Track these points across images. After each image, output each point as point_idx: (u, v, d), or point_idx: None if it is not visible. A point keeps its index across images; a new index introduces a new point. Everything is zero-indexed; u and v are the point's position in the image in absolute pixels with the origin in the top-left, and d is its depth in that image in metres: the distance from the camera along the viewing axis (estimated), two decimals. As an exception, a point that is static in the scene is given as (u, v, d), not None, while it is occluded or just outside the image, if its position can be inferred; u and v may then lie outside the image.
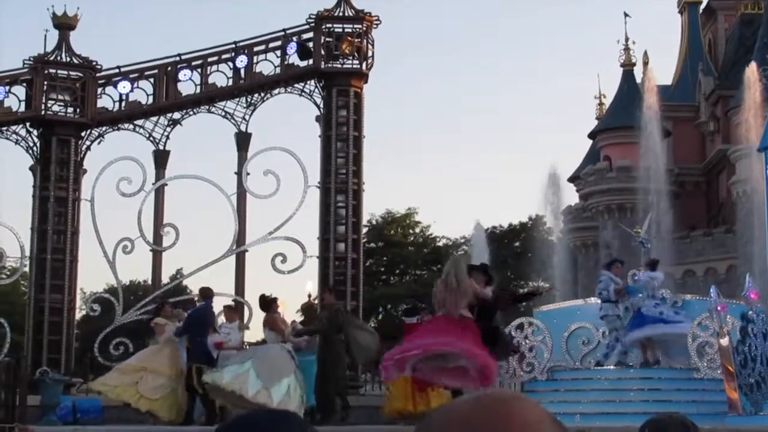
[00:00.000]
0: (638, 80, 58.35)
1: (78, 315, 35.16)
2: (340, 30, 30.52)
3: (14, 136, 29.69)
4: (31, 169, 30.21)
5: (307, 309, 25.31)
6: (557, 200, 53.93)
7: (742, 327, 18.61)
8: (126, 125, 30.68)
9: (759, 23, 53.01)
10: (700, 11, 61.37)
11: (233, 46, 30.51)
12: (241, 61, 30.33)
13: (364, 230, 42.75)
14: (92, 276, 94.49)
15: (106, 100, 30.50)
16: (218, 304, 23.54)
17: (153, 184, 29.93)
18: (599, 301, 22.09)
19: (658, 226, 48.96)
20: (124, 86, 30.25)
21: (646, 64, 60.09)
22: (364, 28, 30.49)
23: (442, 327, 17.43)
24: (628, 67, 57.70)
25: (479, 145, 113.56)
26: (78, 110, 30.05)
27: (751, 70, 46.05)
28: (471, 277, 18.06)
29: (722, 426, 16.79)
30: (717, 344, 18.93)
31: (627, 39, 57.87)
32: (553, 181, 52.62)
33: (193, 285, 43.33)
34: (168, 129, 30.66)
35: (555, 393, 21.01)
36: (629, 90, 56.45)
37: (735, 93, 50.84)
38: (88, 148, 30.39)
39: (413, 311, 22.29)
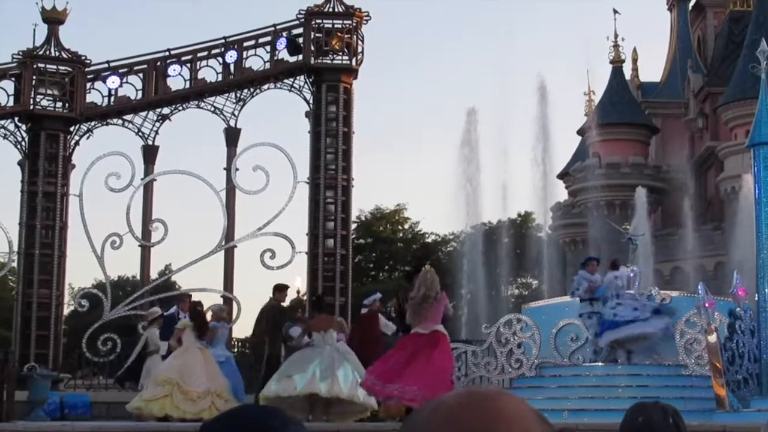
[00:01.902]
0: (627, 77, 58.47)
1: (66, 310, 35.14)
2: (330, 26, 30.53)
3: (2, 130, 29.64)
4: (20, 163, 30.15)
5: (296, 304, 25.36)
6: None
7: (729, 324, 18.65)
8: (115, 120, 30.65)
9: (748, 20, 53.07)
10: (690, 8, 61.48)
11: (223, 41, 30.49)
12: (231, 56, 30.31)
13: (353, 226, 42.76)
14: (80, 271, 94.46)
15: (95, 95, 30.48)
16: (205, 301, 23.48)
17: (142, 179, 29.90)
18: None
19: (647, 223, 49.06)
20: (113, 81, 30.22)
21: (635, 60, 60.25)
22: (354, 24, 30.50)
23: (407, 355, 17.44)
24: (617, 63, 57.81)
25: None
26: (67, 105, 30.01)
27: None
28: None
29: (710, 423, 16.83)
30: (705, 341, 18.97)
31: (616, 36, 58.00)
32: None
33: (182, 281, 43.38)
34: (157, 124, 30.67)
35: (543, 389, 21.06)
36: (618, 87, 56.56)
37: (724, 90, 50.97)
38: (77, 143, 30.36)
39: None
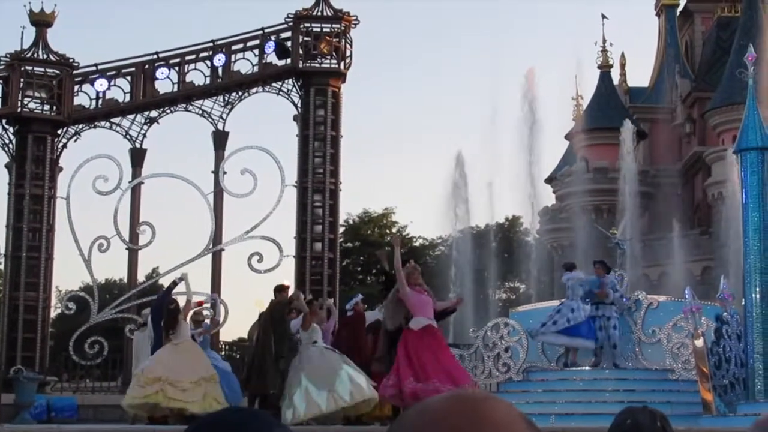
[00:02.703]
0: (615, 82, 58.51)
1: (53, 313, 35.03)
2: (319, 29, 30.52)
3: (-10, 133, 29.59)
4: (7, 166, 30.11)
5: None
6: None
7: (716, 328, 18.68)
8: (103, 123, 30.61)
9: (736, 26, 53.14)
10: (677, 14, 61.56)
11: (211, 44, 30.46)
12: (219, 59, 30.30)
13: (341, 230, 42.74)
14: (68, 274, 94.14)
15: (83, 98, 30.45)
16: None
17: (129, 182, 29.86)
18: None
19: (634, 228, 49.09)
20: (101, 84, 30.19)
21: (623, 65, 60.30)
22: (343, 28, 30.50)
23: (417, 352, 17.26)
24: (605, 68, 57.82)
25: (456, 145, 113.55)
26: (54, 108, 29.97)
27: None
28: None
29: (696, 427, 16.85)
30: (692, 345, 18.99)
31: (604, 41, 58.04)
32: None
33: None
34: (145, 127, 30.62)
35: (530, 393, 21.07)
36: (606, 91, 56.59)
37: (711, 95, 51.03)
38: (65, 145, 30.32)
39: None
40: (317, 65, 30.48)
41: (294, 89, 30.42)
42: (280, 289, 20.65)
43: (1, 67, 29.64)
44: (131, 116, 30.58)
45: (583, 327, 21.28)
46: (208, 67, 30.48)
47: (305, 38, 30.33)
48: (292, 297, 20.34)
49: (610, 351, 21.55)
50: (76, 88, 30.35)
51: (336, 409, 17.95)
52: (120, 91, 30.44)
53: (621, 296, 22.04)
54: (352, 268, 65.24)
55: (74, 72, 30.29)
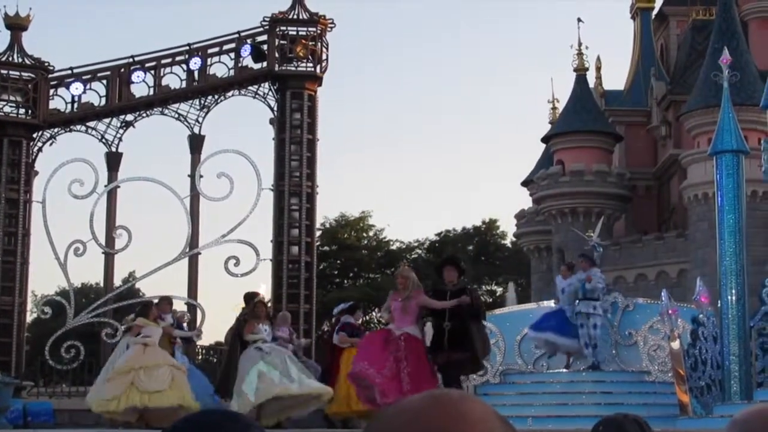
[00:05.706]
0: (591, 85, 58.67)
1: (29, 318, 34.95)
2: (295, 33, 30.53)
3: (-35, 137, 29.48)
4: (-18, 170, 29.99)
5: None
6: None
7: (692, 330, 18.73)
8: (78, 127, 30.52)
9: (710, 29, 53.37)
10: (653, 17, 61.78)
11: (187, 47, 30.42)
12: (195, 63, 30.26)
13: (318, 233, 42.71)
14: (44, 278, 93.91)
15: (59, 102, 30.38)
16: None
17: (105, 186, 29.76)
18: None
19: (611, 230, 49.25)
20: (76, 87, 30.11)
21: (598, 69, 60.46)
22: (319, 31, 30.51)
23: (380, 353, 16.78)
24: (581, 71, 57.95)
25: (433, 149, 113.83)
26: (30, 111, 29.88)
27: None
28: (444, 272, 17.88)
29: (673, 428, 16.91)
30: (668, 348, 19.06)
31: (580, 44, 58.18)
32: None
33: (146, 288, 43.21)
34: (121, 131, 30.55)
35: (507, 396, 21.08)
36: (582, 94, 56.71)
37: (687, 98, 51.23)
38: (40, 149, 30.22)
39: (353, 309, 22.04)
40: (293, 68, 30.47)
41: (270, 92, 30.41)
42: (250, 297, 20.06)
43: (-24, 70, 29.55)
44: (107, 120, 30.52)
45: (562, 324, 21.12)
46: (184, 70, 30.45)
47: (281, 41, 30.32)
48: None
49: (589, 351, 21.49)
50: (51, 91, 30.27)
51: (286, 394, 17.54)
52: (96, 94, 30.39)
53: (603, 288, 21.84)
54: (329, 271, 65.26)
55: (50, 76, 30.22)
